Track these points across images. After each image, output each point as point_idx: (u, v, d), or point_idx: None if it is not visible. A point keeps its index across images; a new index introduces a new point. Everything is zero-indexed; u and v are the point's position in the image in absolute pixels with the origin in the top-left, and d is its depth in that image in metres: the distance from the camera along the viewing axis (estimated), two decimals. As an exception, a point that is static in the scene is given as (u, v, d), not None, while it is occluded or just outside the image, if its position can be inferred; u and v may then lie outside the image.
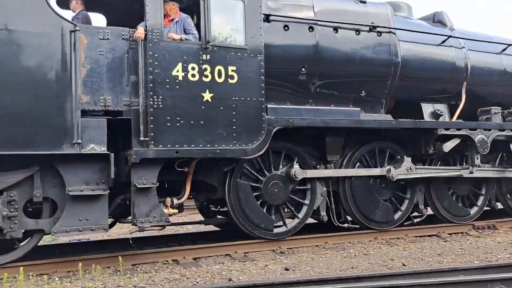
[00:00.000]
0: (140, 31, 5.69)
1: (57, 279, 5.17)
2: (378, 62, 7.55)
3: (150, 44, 5.74)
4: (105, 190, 5.61)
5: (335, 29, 7.28)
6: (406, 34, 7.97)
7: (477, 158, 8.07)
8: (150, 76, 5.72)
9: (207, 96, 6.07)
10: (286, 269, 5.46)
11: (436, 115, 8.21)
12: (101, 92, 5.68)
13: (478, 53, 8.68)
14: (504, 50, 8.92)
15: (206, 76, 6.06)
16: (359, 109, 7.61)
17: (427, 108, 8.26)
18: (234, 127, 6.20)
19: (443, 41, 8.28)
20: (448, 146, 7.93)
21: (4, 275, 4.99)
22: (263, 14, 6.62)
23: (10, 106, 5.20)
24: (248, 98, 6.29)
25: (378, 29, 7.52)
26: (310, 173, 7.05)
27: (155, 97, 5.75)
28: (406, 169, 7.60)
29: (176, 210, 6.16)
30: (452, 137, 7.88)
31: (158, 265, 5.79)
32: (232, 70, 6.21)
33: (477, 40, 8.74)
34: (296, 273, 5.31)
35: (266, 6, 6.84)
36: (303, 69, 7.04)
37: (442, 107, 8.32)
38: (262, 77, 6.36)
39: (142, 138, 5.67)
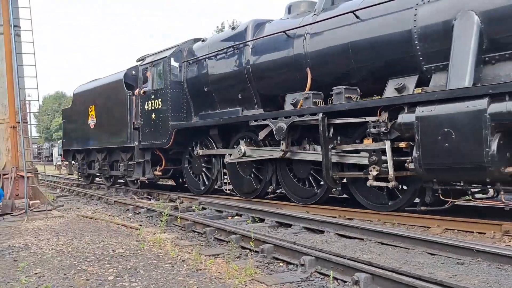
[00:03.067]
0: (136, 92, 13.12)
1: None
2: (238, 71, 10.41)
3: (140, 96, 12.98)
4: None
5: (215, 56, 10.99)
6: (261, 40, 10.02)
7: (282, 144, 8.95)
8: (141, 110, 12.90)
9: (153, 116, 12.36)
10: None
11: (293, 104, 9.39)
12: (136, 118, 13.27)
13: (317, 36, 8.89)
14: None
15: (153, 106, 12.36)
16: (239, 108, 10.67)
17: (288, 99, 9.61)
18: (160, 131, 12.07)
19: (288, 36, 9.40)
20: (261, 134, 9.58)
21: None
22: (187, 60, 11.86)
23: (112, 124, 14.17)
24: (166, 115, 11.95)
25: (236, 46, 10.41)
26: (201, 152, 11.48)
27: (141, 119, 12.89)
28: (238, 151, 10.08)
29: (160, 173, 12.72)
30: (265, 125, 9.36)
31: None
32: (159, 100, 12.15)
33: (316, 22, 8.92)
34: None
35: (193, 52, 11.84)
36: (206, 88, 11.33)
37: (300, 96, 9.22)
38: (169, 102, 11.84)
39: (139, 139, 13.00)
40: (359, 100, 8.12)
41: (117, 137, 13.82)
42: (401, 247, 5.67)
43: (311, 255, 4.93)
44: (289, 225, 7.37)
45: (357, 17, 8.13)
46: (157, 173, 12.67)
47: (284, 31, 9.36)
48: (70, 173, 20.18)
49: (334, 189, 8.66)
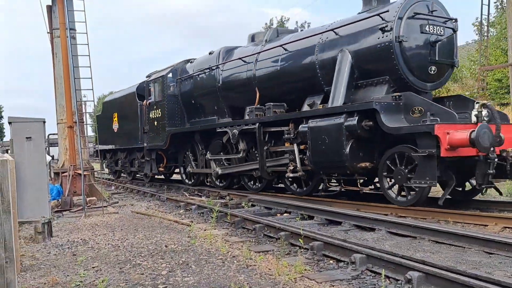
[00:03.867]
0: (145, 103, 15.91)
1: None
2: (213, 87, 13.14)
3: (146, 106, 15.80)
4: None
5: (198, 75, 13.85)
6: (227, 64, 12.71)
7: (240, 146, 11.70)
8: (147, 117, 15.76)
9: (156, 123, 15.14)
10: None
11: (249, 115, 11.61)
12: (145, 124, 15.96)
13: (267, 62, 11.38)
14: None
15: (155, 115, 15.17)
16: (215, 117, 13.41)
17: (246, 111, 11.81)
18: (160, 135, 14.92)
19: (244, 61, 12.03)
20: (224, 138, 12.20)
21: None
22: (180, 78, 14.63)
23: (129, 129, 17.19)
24: (164, 122, 14.74)
25: (211, 68, 13.21)
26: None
27: (148, 125, 15.70)
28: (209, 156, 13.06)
29: (162, 169, 15.55)
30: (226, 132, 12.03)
31: None
32: (159, 110, 15.02)
33: (264, 50, 11.63)
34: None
35: (186, 71, 14.59)
36: (193, 101, 14.16)
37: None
38: (166, 111, 14.65)
39: (147, 141, 15.77)
40: (283, 113, 10.67)
41: (133, 139, 16.84)
42: (456, 245, 5.55)
43: (362, 253, 4.90)
44: (339, 223, 7.34)
45: (285, 49, 10.81)
46: (160, 169, 15.64)
47: (241, 58, 12.11)
48: (102, 169, 23.55)
49: (273, 180, 11.26)
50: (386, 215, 7.63)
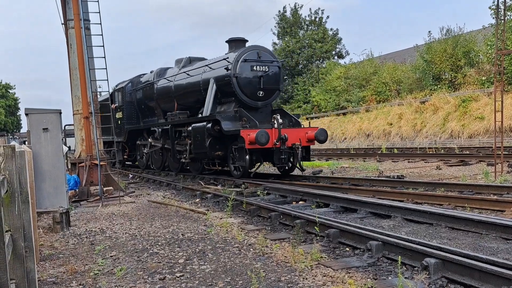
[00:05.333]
0: (113, 106, 20.86)
1: None
2: (153, 97, 18.36)
3: (114, 109, 20.91)
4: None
5: (144, 88, 19.02)
6: (160, 81, 17.90)
7: (161, 140, 17.04)
8: (115, 118, 20.99)
9: (119, 122, 20.63)
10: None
11: (168, 118, 16.98)
12: (114, 122, 21.61)
13: (179, 82, 16.54)
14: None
15: (119, 116, 20.70)
16: (156, 118, 18.67)
17: (168, 114, 17.11)
18: (122, 131, 20.36)
19: (168, 80, 17.23)
20: (155, 134, 17.44)
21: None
22: (134, 88, 19.90)
23: (107, 126, 22.44)
24: (124, 121, 20.22)
25: (151, 82, 18.40)
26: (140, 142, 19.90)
27: (115, 124, 20.97)
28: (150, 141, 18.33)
29: (126, 157, 20.99)
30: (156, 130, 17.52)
31: None
32: (121, 112, 20.47)
33: (179, 73, 16.77)
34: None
35: (140, 82, 19.76)
36: (143, 106, 19.49)
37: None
38: (125, 114, 20.08)
39: (115, 136, 21.03)
40: (183, 118, 15.50)
41: (109, 134, 21.51)
42: (473, 232, 5.52)
43: (378, 240, 4.88)
44: (355, 210, 7.33)
45: (188, 74, 15.80)
46: (125, 156, 21.01)
47: (166, 78, 17.40)
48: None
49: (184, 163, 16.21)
50: (402, 201, 7.61)
